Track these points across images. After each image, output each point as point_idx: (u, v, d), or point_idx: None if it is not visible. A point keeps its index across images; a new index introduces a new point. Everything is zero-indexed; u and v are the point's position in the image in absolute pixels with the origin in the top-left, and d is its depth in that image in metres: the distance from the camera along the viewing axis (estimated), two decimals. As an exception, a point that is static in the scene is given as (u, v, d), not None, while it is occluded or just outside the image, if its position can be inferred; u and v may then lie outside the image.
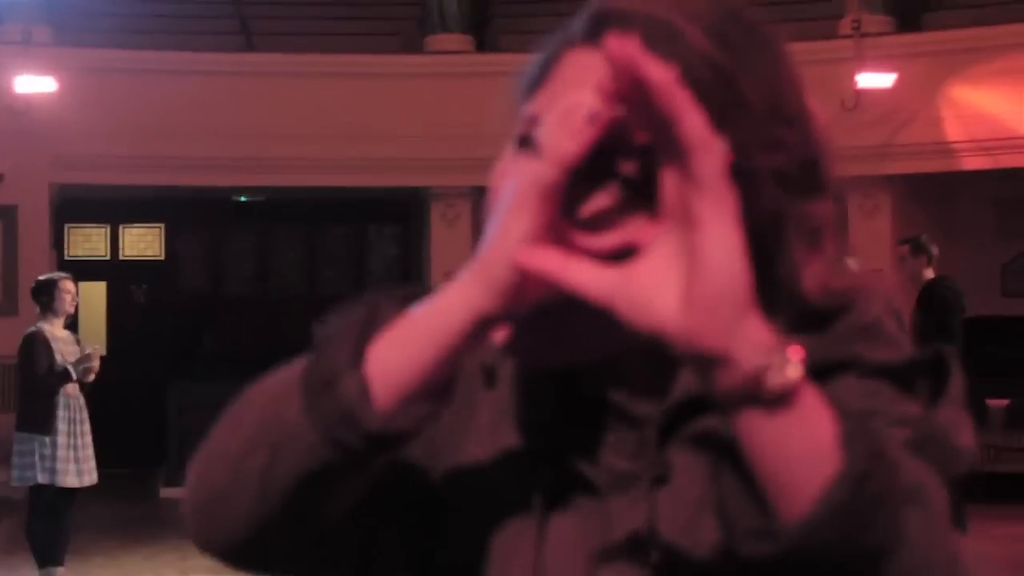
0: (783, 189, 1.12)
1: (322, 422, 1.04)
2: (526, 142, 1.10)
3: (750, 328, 0.98)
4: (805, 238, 1.14)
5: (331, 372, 1.05)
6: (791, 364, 0.98)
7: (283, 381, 1.09)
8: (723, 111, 1.05)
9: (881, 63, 14.87)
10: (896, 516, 1.00)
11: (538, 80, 1.16)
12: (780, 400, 0.98)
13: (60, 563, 9.03)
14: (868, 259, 12.70)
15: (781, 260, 1.13)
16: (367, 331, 1.07)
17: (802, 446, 0.99)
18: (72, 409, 9.06)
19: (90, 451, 9.17)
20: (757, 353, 0.98)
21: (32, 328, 9.20)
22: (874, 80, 14.92)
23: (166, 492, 14.77)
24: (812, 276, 1.14)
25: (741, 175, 1.00)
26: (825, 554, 0.99)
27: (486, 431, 1.20)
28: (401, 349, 1.06)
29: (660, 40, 1.07)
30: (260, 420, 1.09)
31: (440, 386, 1.06)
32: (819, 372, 1.04)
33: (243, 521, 1.10)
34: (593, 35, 1.12)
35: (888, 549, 1.00)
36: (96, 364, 9.15)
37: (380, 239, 18.27)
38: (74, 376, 8.98)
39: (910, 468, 1.04)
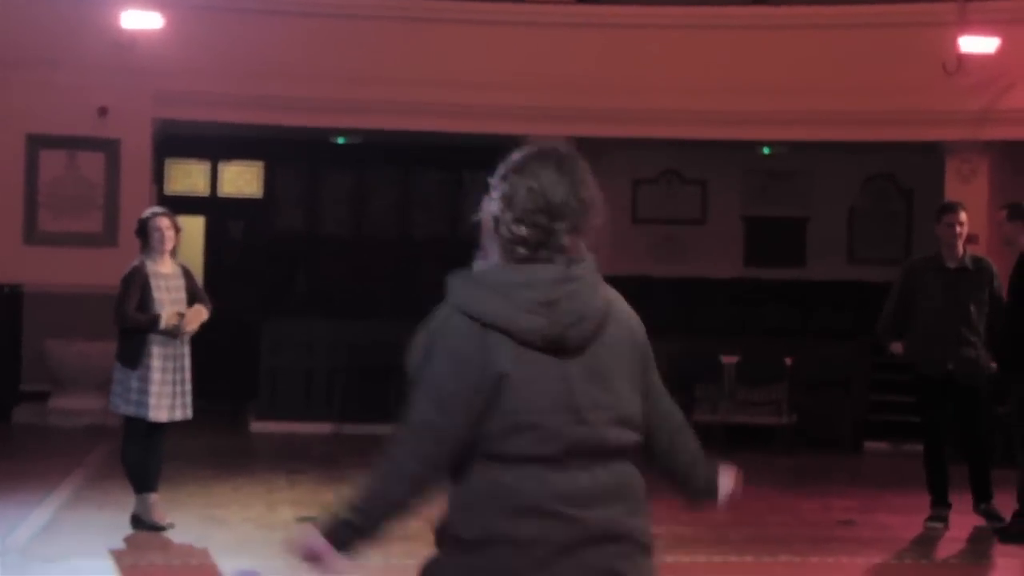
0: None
1: None
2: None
3: None
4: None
5: None
6: None
7: None
8: None
9: (984, 27, 14.70)
10: None
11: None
12: None
13: (153, 489, 9.15)
14: (963, 224, 12.58)
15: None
16: None
17: None
18: (170, 345, 9.04)
19: (187, 387, 9.14)
20: None
21: (135, 262, 9.15)
22: (977, 44, 14.75)
23: (256, 426, 14.99)
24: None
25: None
26: None
27: None
28: None
29: None
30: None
31: None
32: None
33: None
34: None
35: None
36: (189, 326, 9.09)
37: (475, 186, 18.33)
38: (161, 325, 8.92)
39: None
